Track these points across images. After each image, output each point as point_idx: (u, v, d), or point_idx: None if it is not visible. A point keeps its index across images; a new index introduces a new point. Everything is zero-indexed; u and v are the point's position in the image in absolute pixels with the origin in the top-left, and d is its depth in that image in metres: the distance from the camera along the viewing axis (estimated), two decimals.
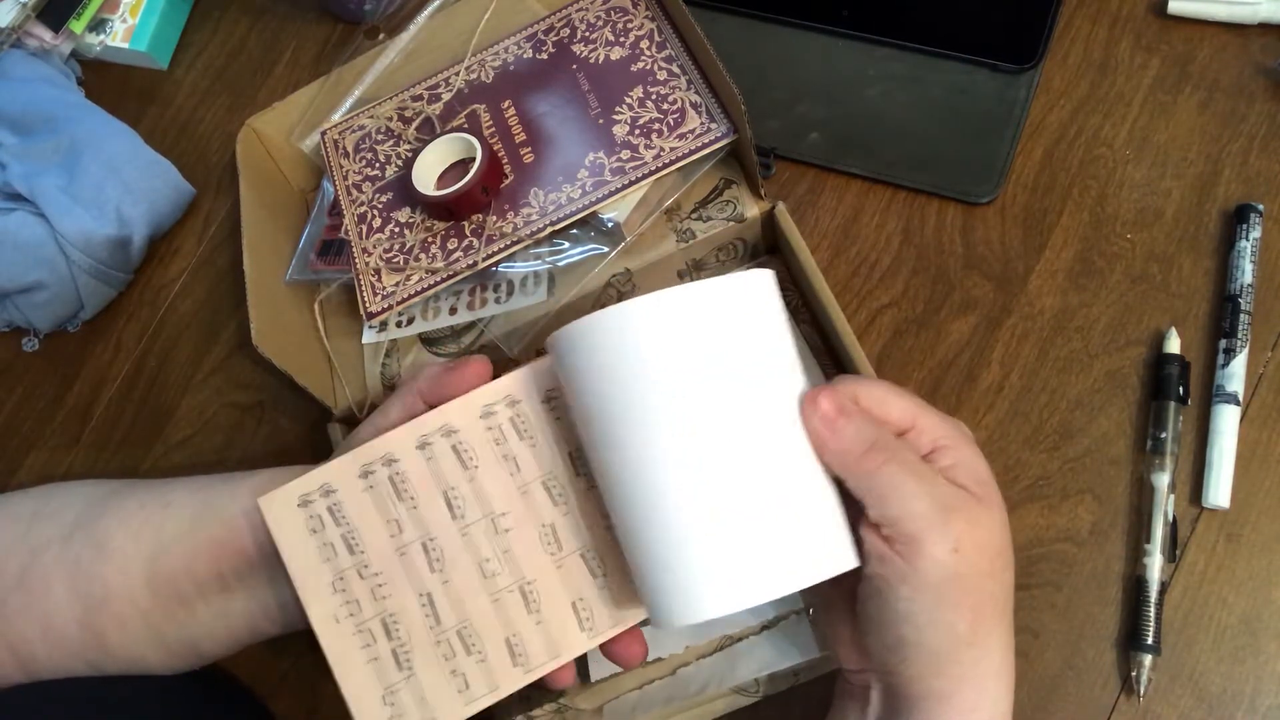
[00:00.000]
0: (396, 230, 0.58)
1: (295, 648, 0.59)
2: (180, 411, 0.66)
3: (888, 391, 0.38)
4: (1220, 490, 0.53)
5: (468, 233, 0.56)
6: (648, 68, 0.56)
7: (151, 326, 0.69)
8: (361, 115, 0.63)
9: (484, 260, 0.55)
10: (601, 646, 0.43)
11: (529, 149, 0.57)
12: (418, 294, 0.55)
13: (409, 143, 0.61)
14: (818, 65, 0.65)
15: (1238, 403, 0.54)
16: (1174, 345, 0.55)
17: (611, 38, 0.58)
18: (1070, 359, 0.57)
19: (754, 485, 0.36)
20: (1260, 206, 0.57)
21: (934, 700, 0.37)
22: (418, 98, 0.62)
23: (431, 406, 0.43)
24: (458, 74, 0.61)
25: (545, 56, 0.60)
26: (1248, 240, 0.56)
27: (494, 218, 0.56)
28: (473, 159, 0.56)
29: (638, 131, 0.55)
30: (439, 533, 0.42)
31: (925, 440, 0.38)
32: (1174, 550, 0.53)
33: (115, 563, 0.45)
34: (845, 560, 0.37)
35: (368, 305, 0.56)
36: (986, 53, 0.62)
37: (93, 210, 0.65)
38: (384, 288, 0.57)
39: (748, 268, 0.41)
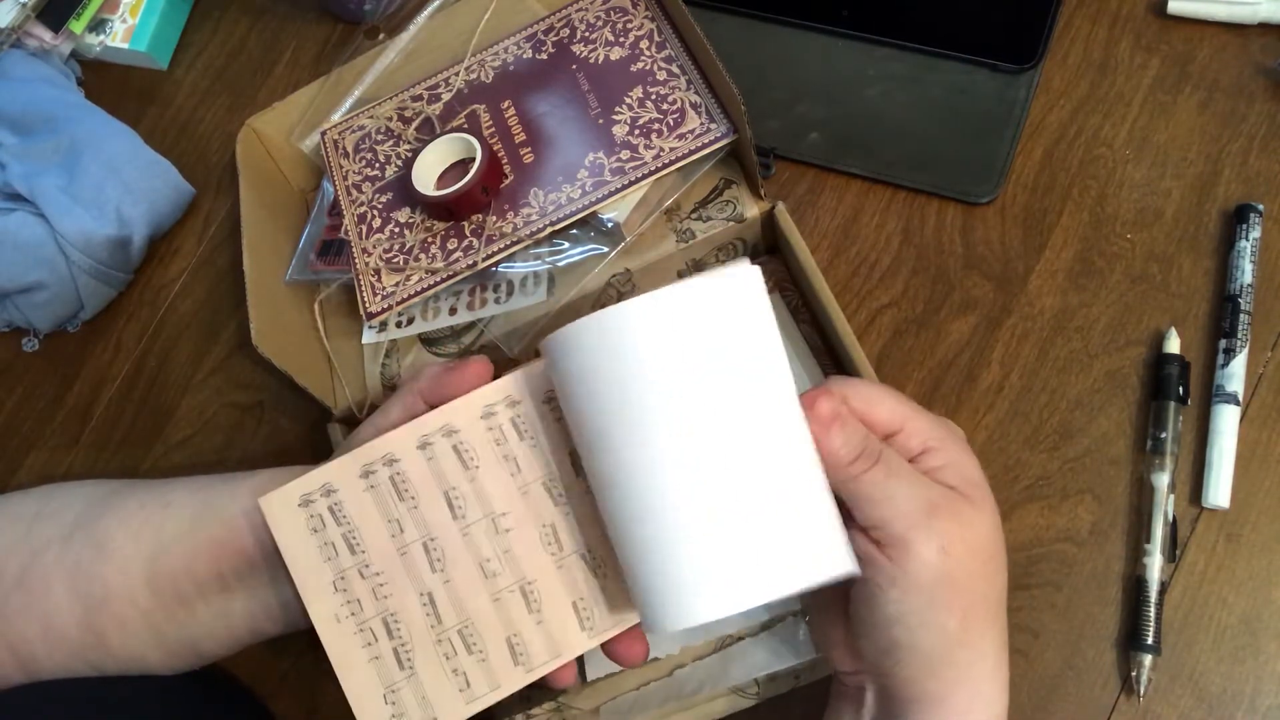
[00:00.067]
0: (396, 230, 0.58)
1: (295, 648, 0.59)
2: (180, 411, 0.66)
3: (877, 393, 0.38)
4: (1220, 490, 0.53)
5: (468, 233, 0.56)
6: (647, 68, 0.56)
7: (151, 326, 0.69)
8: (361, 115, 0.63)
9: (484, 260, 0.55)
10: (603, 646, 0.43)
11: (529, 149, 0.57)
12: (418, 294, 0.55)
13: (409, 143, 0.61)
14: (818, 65, 0.65)
15: (1238, 403, 0.54)
16: (1174, 345, 0.55)
17: (611, 38, 0.58)
18: (1070, 359, 0.57)
19: (747, 487, 0.36)
20: (1260, 206, 0.57)
21: (928, 702, 0.37)
22: (418, 98, 0.62)
23: (432, 407, 0.43)
24: (458, 74, 0.61)
25: (545, 56, 0.60)
26: (1248, 240, 0.56)
27: (494, 218, 0.56)
28: (473, 159, 0.56)
29: (637, 131, 0.55)
30: (440, 532, 0.42)
31: (915, 442, 0.38)
32: (1174, 550, 0.53)
33: (115, 563, 0.45)
34: (841, 564, 0.36)
35: (368, 305, 0.56)
36: (986, 53, 0.62)
37: (93, 210, 0.65)
38: (384, 288, 0.57)
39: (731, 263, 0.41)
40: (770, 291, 0.58)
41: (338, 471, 0.42)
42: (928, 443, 0.38)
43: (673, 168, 0.53)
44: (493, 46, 0.61)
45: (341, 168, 0.62)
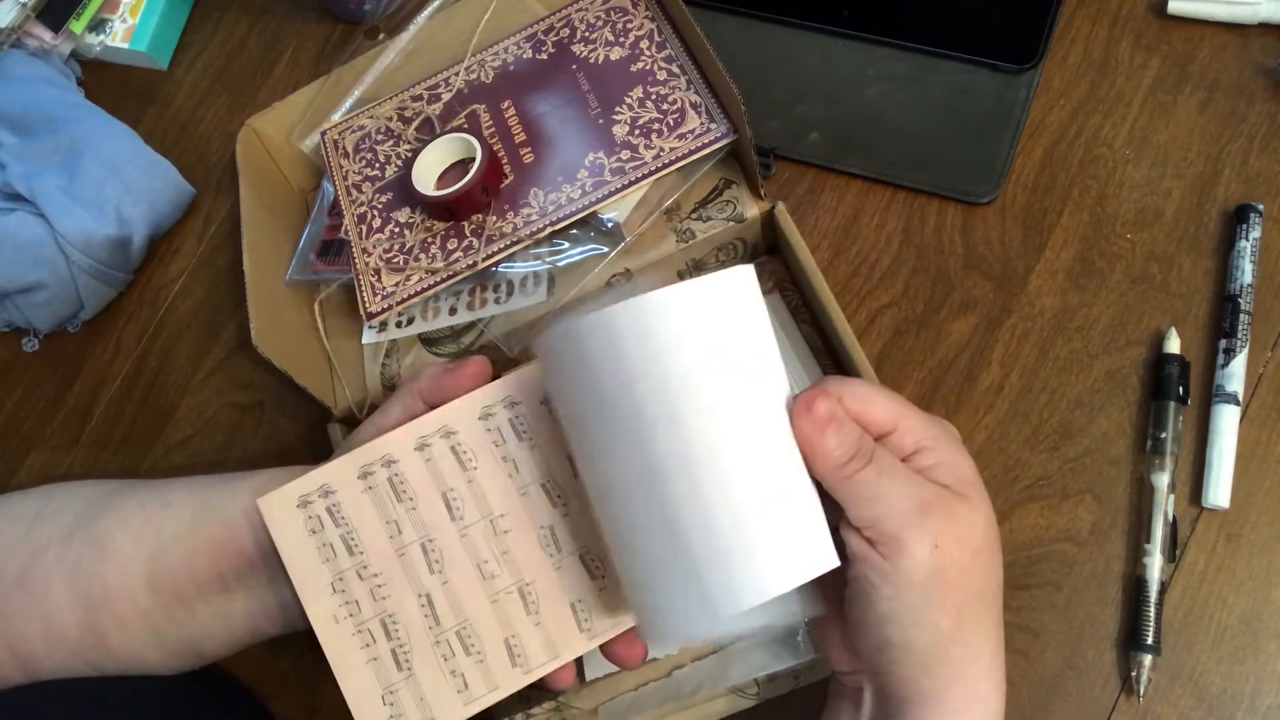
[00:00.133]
0: (396, 230, 0.58)
1: (295, 648, 0.59)
2: (180, 411, 0.66)
3: (872, 392, 0.38)
4: (1220, 490, 0.53)
5: (468, 233, 0.56)
6: (647, 68, 0.56)
7: (151, 326, 0.69)
8: (361, 115, 0.63)
9: (484, 260, 0.55)
10: (601, 647, 0.43)
11: (529, 149, 0.57)
12: (418, 294, 0.55)
13: (409, 143, 0.61)
14: (818, 65, 0.65)
15: (1238, 403, 0.54)
16: (1174, 345, 0.55)
17: (611, 38, 0.58)
18: (1070, 359, 0.57)
19: (739, 490, 0.35)
20: (1260, 206, 0.57)
21: (924, 700, 0.37)
22: (418, 98, 0.62)
23: (431, 407, 0.43)
24: (458, 74, 0.61)
25: (545, 57, 0.60)
26: (1248, 240, 0.56)
27: (494, 218, 0.56)
28: (473, 159, 0.56)
29: (638, 131, 0.55)
30: (438, 534, 0.42)
31: (908, 441, 0.38)
32: (1174, 550, 0.53)
33: (115, 563, 0.45)
34: (827, 560, 0.37)
35: (368, 305, 0.56)
36: (986, 53, 0.62)
37: (93, 210, 0.65)
38: (384, 288, 0.57)
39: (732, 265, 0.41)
40: (770, 291, 0.59)
41: (336, 472, 0.42)
42: (921, 442, 0.38)
43: (673, 168, 0.53)
44: (493, 46, 0.61)
45: (341, 168, 0.62)
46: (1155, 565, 0.52)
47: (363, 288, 0.57)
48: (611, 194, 0.54)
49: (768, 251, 0.60)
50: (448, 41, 0.63)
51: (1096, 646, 0.53)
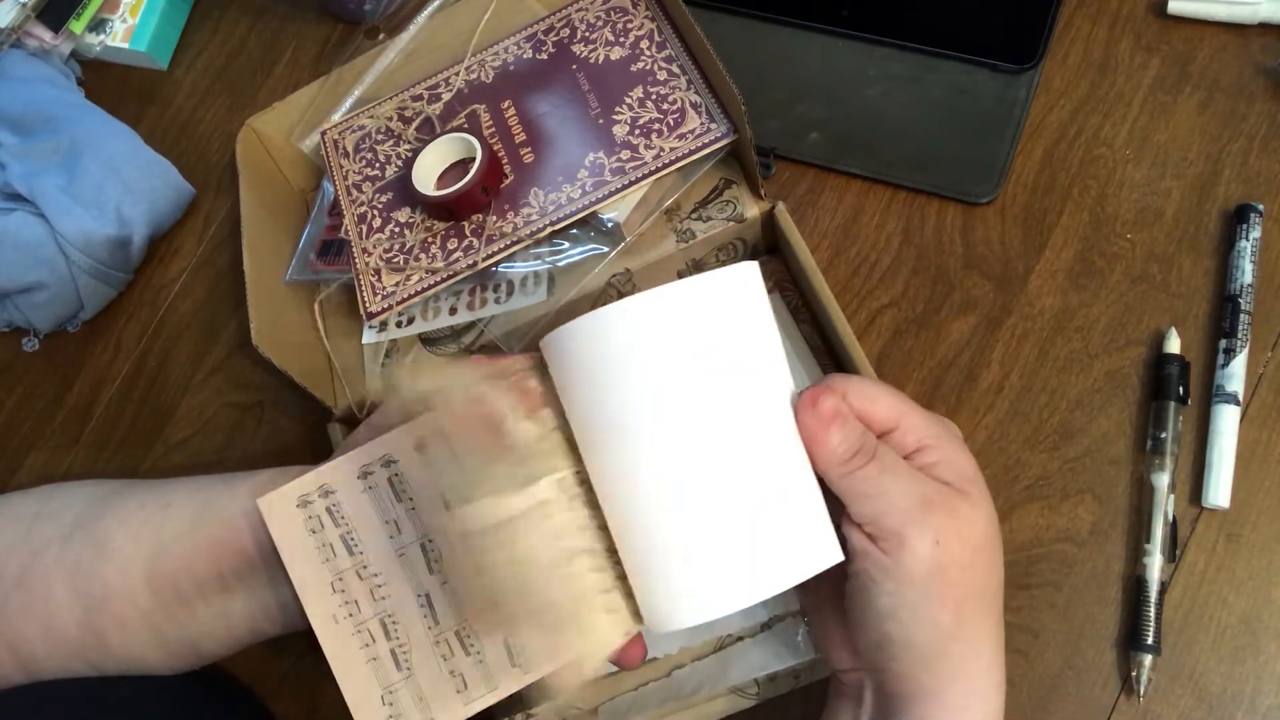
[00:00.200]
0: (396, 230, 0.58)
1: (295, 648, 0.59)
2: (180, 411, 0.66)
3: (875, 390, 0.38)
4: (1220, 490, 0.53)
5: (468, 233, 0.56)
6: (648, 68, 0.56)
7: (151, 326, 0.69)
8: (361, 115, 0.63)
9: (484, 260, 0.55)
10: None
11: (529, 149, 0.57)
12: (418, 294, 0.55)
13: (409, 143, 0.61)
14: (818, 65, 0.65)
15: (1238, 403, 0.54)
16: (1174, 345, 0.55)
17: (611, 38, 0.58)
18: (1070, 359, 0.57)
19: (743, 485, 0.36)
20: (1260, 206, 0.57)
21: (924, 697, 0.37)
22: (418, 98, 0.62)
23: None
24: (458, 74, 0.61)
25: (545, 56, 0.60)
26: (1248, 240, 0.56)
27: (494, 218, 0.56)
28: (473, 159, 0.56)
29: (638, 131, 0.55)
30: (438, 534, 0.42)
31: (911, 439, 0.38)
32: (1174, 550, 0.53)
33: (115, 563, 0.45)
34: (830, 555, 0.37)
35: (368, 305, 0.56)
36: (986, 53, 0.62)
37: (93, 210, 0.65)
38: (384, 288, 0.57)
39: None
40: (770, 291, 0.58)
41: (336, 472, 0.42)
42: (923, 440, 0.38)
43: (673, 168, 0.53)
44: (493, 46, 0.61)
45: (341, 168, 0.62)
46: (1155, 565, 0.52)
47: (363, 288, 0.57)
48: (611, 194, 0.54)
49: (768, 251, 0.60)
50: (448, 41, 0.63)
51: (1096, 646, 0.53)
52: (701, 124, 0.54)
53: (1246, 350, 0.55)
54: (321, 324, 0.60)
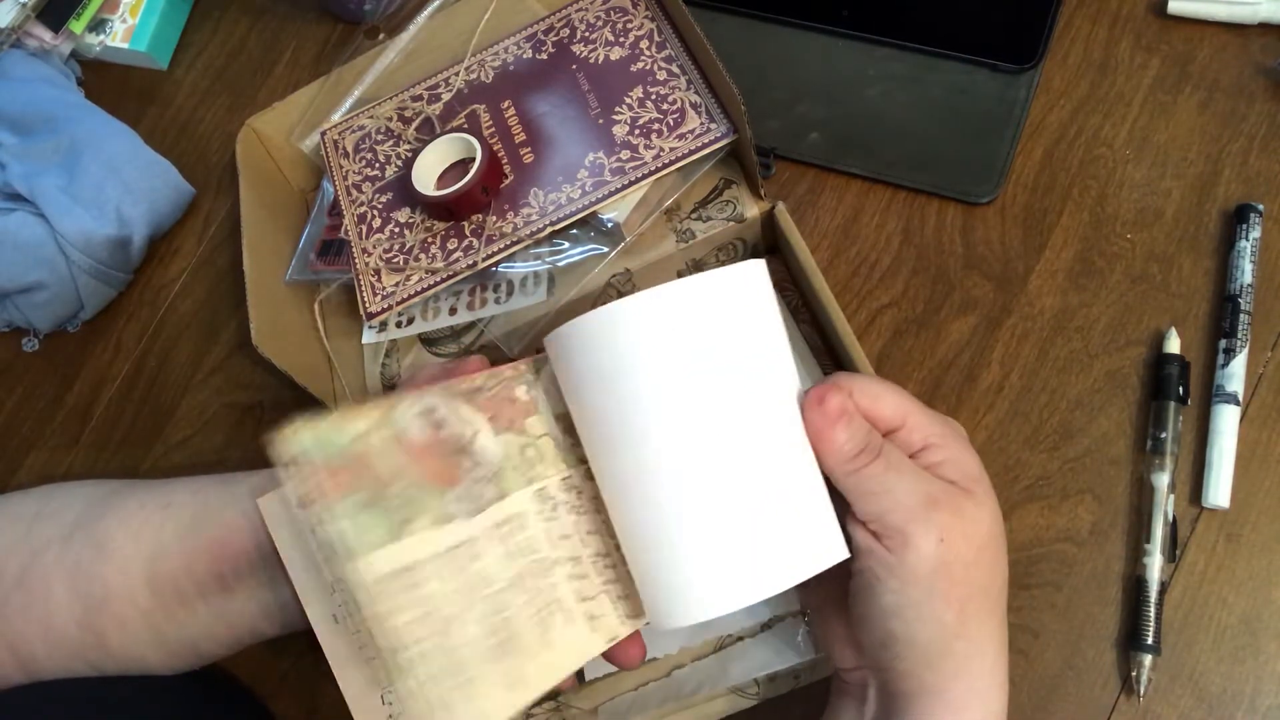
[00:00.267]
0: (396, 230, 0.58)
1: (295, 648, 0.59)
2: (180, 411, 0.66)
3: (881, 389, 0.38)
4: (1220, 490, 0.53)
5: (468, 233, 0.56)
6: (647, 68, 0.56)
7: (151, 326, 0.69)
8: (361, 115, 0.63)
9: (484, 260, 0.55)
10: None
11: (529, 149, 0.57)
12: (418, 294, 0.55)
13: (409, 143, 0.61)
14: (818, 65, 0.65)
15: (1238, 403, 0.54)
16: (1174, 345, 0.55)
17: (611, 38, 0.58)
18: (1070, 359, 0.57)
19: (750, 482, 0.36)
20: (1260, 206, 0.57)
21: (927, 696, 0.37)
22: (418, 98, 0.62)
23: None
24: (458, 74, 0.61)
25: (545, 56, 0.60)
26: (1248, 240, 0.56)
27: (494, 218, 0.56)
28: (473, 159, 0.56)
29: (638, 131, 0.55)
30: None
31: (916, 438, 0.38)
32: (1174, 550, 0.53)
33: (115, 563, 0.45)
34: (837, 552, 0.37)
35: (368, 305, 0.56)
36: (986, 53, 0.62)
37: (93, 210, 0.65)
38: (384, 288, 0.57)
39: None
40: None
41: None
42: (929, 439, 0.38)
43: (673, 168, 0.53)
44: (493, 46, 0.61)
45: (341, 168, 0.62)
46: (1155, 565, 0.52)
47: (363, 288, 0.57)
48: (611, 194, 0.54)
49: (768, 251, 0.60)
50: (448, 41, 0.63)
51: (1096, 646, 0.53)
52: (701, 124, 0.54)
53: (1246, 350, 0.55)
54: (321, 324, 0.60)
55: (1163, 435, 0.54)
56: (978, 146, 0.61)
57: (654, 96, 0.55)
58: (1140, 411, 0.56)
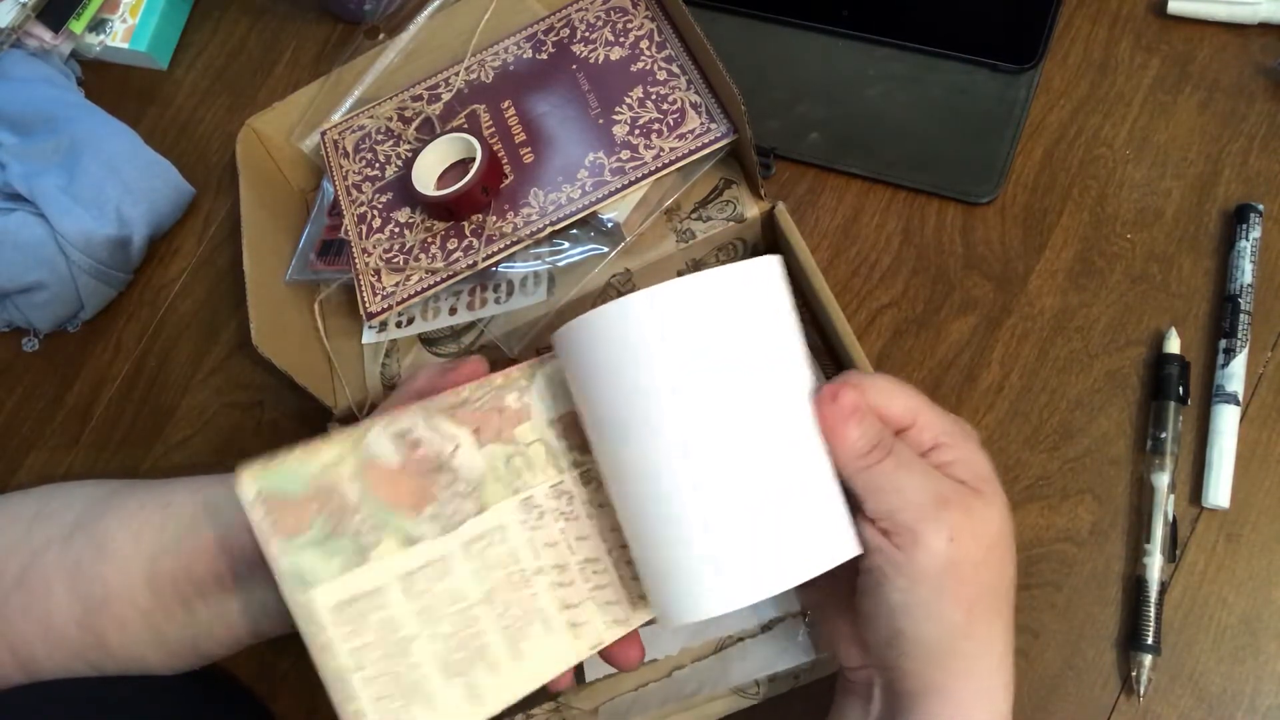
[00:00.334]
0: (396, 230, 0.58)
1: (295, 648, 0.58)
2: (180, 411, 0.66)
3: (893, 387, 0.38)
4: (1220, 490, 0.53)
5: (468, 233, 0.56)
6: (648, 68, 0.56)
7: (151, 326, 0.69)
8: (361, 115, 0.63)
9: (484, 260, 0.55)
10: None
11: (529, 149, 0.57)
12: (418, 294, 0.55)
13: (409, 143, 0.61)
14: (818, 65, 0.65)
15: (1238, 403, 0.54)
16: (1174, 345, 0.55)
17: (611, 38, 0.58)
18: (1070, 359, 0.57)
19: (763, 476, 0.36)
20: (1260, 206, 0.57)
21: (933, 695, 0.37)
22: (418, 98, 0.62)
23: None
24: (458, 74, 0.61)
25: (545, 57, 0.60)
26: (1248, 240, 0.56)
27: (494, 218, 0.56)
28: (473, 159, 0.56)
29: (638, 131, 0.55)
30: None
31: (926, 437, 0.38)
32: (1174, 550, 0.53)
33: (115, 563, 0.45)
34: (849, 548, 0.37)
35: (368, 305, 0.56)
36: (986, 53, 0.62)
37: (93, 210, 0.65)
38: (384, 288, 0.57)
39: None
40: None
41: None
42: (940, 438, 0.38)
43: (673, 168, 0.53)
44: (493, 46, 0.61)
45: (341, 168, 0.62)
46: (1155, 565, 0.52)
47: (363, 288, 0.57)
48: (611, 194, 0.54)
49: (768, 251, 0.59)
50: (448, 41, 0.63)
51: (1096, 646, 0.53)
52: (701, 124, 0.54)
53: (1246, 350, 0.55)
54: (321, 324, 0.60)
55: (1163, 435, 0.54)
56: (978, 146, 0.61)
57: (654, 96, 0.55)
58: (1140, 411, 0.56)
